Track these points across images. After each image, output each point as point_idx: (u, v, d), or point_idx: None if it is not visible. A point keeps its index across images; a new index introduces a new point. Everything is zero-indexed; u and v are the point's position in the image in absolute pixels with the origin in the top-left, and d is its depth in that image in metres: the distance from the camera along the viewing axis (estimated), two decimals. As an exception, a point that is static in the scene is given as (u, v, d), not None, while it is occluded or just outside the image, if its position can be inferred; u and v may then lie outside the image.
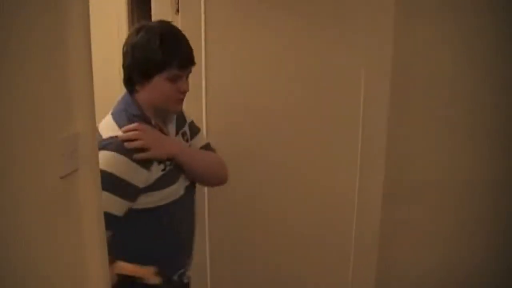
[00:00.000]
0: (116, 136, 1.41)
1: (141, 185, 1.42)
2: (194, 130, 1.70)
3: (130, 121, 1.46)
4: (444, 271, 2.12)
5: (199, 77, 1.89)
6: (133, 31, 1.49)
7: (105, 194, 1.29)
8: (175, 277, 1.57)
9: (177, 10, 1.90)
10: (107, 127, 1.46)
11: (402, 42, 1.88)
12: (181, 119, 1.65)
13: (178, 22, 1.86)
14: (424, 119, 2.01)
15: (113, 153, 1.38)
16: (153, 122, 1.50)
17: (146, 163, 1.43)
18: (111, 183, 1.35)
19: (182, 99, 1.52)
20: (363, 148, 1.94)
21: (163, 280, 1.42)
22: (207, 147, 1.71)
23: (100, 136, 1.43)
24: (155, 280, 1.39)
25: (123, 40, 1.50)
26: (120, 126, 1.45)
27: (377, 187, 1.96)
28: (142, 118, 1.49)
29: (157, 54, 1.42)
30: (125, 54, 1.48)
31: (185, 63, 1.48)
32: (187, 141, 1.65)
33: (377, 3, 1.82)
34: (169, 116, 1.59)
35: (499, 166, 2.01)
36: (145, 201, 1.44)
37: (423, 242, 2.13)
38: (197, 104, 1.94)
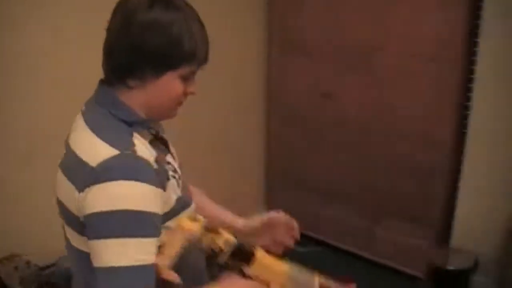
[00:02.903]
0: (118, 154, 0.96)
1: (161, 212, 1.02)
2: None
3: (126, 135, 1.02)
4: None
5: None
6: (144, 1, 1.01)
7: (140, 241, 0.94)
8: None
9: None
10: (94, 149, 0.98)
11: None
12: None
13: None
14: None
15: (130, 182, 0.95)
16: (154, 132, 1.12)
17: (162, 181, 1.03)
18: (142, 223, 0.95)
19: (182, 103, 1.12)
20: None
21: None
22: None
23: (87, 164, 0.96)
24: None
25: None
26: (115, 145, 0.97)
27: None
28: (142, 127, 1.07)
29: (183, 43, 1.01)
30: (126, 30, 1.00)
31: (206, 59, 1.09)
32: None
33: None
34: (157, 123, 1.18)
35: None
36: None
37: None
38: None
